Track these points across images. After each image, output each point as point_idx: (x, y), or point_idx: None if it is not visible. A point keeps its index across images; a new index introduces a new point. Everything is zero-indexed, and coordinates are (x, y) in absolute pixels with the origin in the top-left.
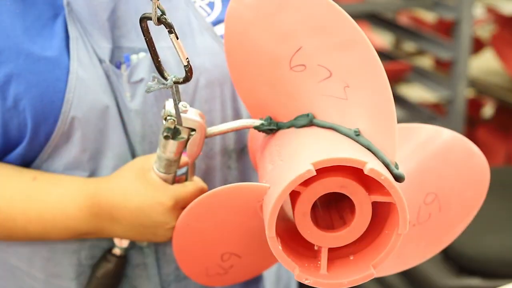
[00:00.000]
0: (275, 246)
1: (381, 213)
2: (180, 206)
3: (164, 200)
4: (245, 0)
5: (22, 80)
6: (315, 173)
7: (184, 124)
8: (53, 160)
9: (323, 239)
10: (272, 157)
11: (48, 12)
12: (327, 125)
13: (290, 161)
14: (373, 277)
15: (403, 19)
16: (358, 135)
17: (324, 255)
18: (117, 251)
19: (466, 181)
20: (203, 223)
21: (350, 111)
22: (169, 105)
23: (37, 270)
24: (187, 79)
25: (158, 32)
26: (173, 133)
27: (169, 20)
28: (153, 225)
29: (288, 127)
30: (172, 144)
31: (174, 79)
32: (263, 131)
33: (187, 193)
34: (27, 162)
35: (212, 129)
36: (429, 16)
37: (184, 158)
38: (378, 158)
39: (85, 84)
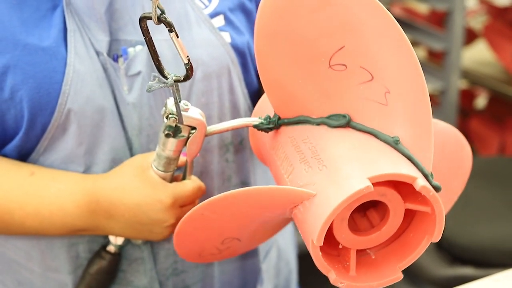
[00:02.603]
0: (317, 253)
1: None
2: (178, 204)
3: (162, 198)
4: None
5: (19, 71)
6: (372, 189)
7: (185, 123)
8: (49, 153)
9: (354, 242)
10: (304, 156)
11: (47, 3)
12: (366, 130)
13: (339, 172)
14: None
15: (396, 10)
16: (398, 143)
17: (353, 257)
18: (111, 248)
19: (455, 171)
20: (219, 215)
21: (390, 118)
22: (170, 103)
23: (35, 263)
24: (187, 77)
25: (154, 25)
26: (174, 131)
27: (169, 19)
28: (151, 222)
29: (318, 124)
30: (172, 143)
31: (174, 77)
32: (262, 129)
33: (186, 191)
34: (23, 155)
35: (211, 128)
36: (421, 7)
37: (182, 158)
38: (418, 169)
39: (82, 77)
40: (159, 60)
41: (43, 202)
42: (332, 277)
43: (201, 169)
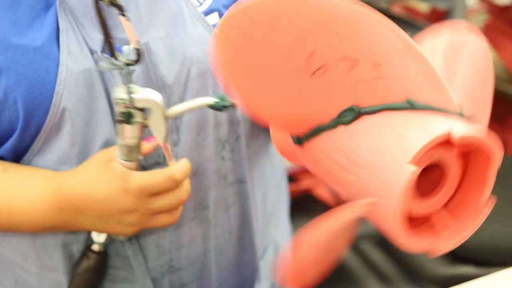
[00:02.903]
0: (410, 244)
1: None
2: (146, 193)
3: (127, 187)
4: (236, 26)
5: (12, 72)
6: (419, 170)
7: (137, 105)
8: (43, 153)
9: (429, 207)
10: (343, 165)
11: (41, 3)
12: (378, 109)
13: (380, 168)
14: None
15: (397, 9)
16: (414, 104)
17: (437, 220)
18: (95, 247)
19: (482, 79)
20: (318, 246)
21: (393, 86)
22: (118, 90)
23: (30, 263)
24: (137, 61)
25: (149, 23)
26: (127, 117)
27: (119, 2)
28: (119, 213)
29: (334, 126)
30: (129, 129)
31: (125, 60)
32: (218, 109)
33: (153, 179)
34: (18, 155)
35: (172, 110)
36: (422, 6)
37: (148, 144)
38: (447, 115)
39: (75, 75)
40: (111, 41)
41: (14, 199)
42: (432, 252)
43: (197, 166)
